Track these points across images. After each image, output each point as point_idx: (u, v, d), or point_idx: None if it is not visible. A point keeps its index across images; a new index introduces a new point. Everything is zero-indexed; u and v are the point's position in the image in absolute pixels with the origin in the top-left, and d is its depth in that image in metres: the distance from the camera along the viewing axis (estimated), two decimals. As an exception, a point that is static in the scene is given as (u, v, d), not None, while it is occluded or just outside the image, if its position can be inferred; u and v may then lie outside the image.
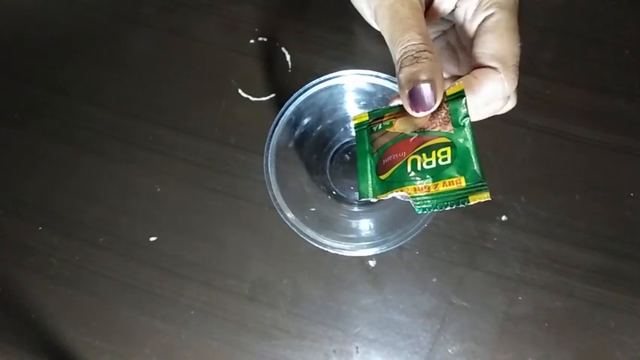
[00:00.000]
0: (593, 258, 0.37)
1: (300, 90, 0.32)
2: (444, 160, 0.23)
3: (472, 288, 0.38)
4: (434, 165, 0.24)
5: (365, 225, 0.37)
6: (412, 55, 0.24)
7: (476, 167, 0.23)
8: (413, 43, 0.24)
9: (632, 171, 0.38)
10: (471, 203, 0.23)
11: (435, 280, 0.38)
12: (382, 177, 0.25)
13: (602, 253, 0.37)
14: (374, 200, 0.26)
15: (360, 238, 0.35)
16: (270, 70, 0.41)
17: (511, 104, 0.28)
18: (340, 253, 0.31)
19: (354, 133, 0.28)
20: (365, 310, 0.38)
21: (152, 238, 0.40)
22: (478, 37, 0.26)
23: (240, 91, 0.41)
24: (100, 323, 0.39)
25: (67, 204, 0.41)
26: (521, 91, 0.39)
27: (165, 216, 0.40)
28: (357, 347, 0.38)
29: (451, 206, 0.23)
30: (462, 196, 0.23)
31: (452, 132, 0.24)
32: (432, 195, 0.24)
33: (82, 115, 0.42)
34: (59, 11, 0.44)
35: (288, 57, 0.41)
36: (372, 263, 0.38)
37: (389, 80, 0.31)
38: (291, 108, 0.31)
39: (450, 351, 0.37)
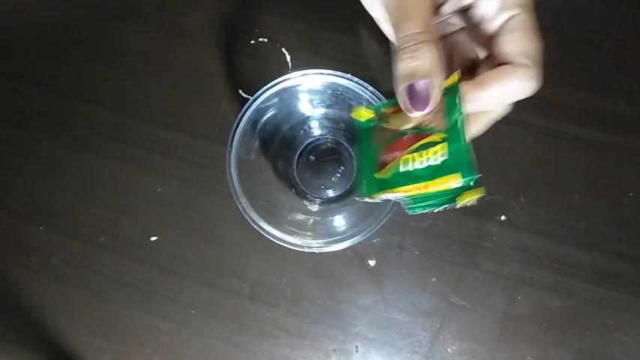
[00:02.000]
0: (593, 258, 0.37)
1: (249, 101, 0.32)
2: (436, 159, 0.23)
3: (471, 287, 0.38)
4: (426, 165, 0.23)
5: (340, 221, 0.37)
6: (411, 44, 0.23)
7: (468, 166, 0.22)
8: (414, 31, 0.23)
9: (632, 171, 0.38)
10: (459, 204, 0.22)
11: (434, 279, 0.38)
12: (377, 176, 0.25)
13: (602, 253, 0.37)
14: (369, 200, 0.26)
15: (337, 232, 0.35)
16: (271, 71, 0.41)
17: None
18: (323, 251, 0.32)
19: (356, 130, 0.28)
20: (365, 310, 0.38)
21: (153, 238, 0.40)
22: (503, 35, 0.26)
23: (240, 91, 0.41)
24: (100, 322, 0.39)
25: (67, 204, 0.41)
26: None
27: (166, 216, 0.40)
28: (356, 346, 0.38)
29: (440, 206, 0.22)
30: (453, 195, 0.22)
31: (445, 129, 0.23)
32: (422, 195, 0.23)
33: (82, 115, 0.42)
34: (59, 11, 0.44)
35: (288, 57, 0.41)
36: (371, 263, 0.39)
37: (333, 75, 0.31)
38: (244, 119, 0.32)
39: (449, 350, 0.37)
